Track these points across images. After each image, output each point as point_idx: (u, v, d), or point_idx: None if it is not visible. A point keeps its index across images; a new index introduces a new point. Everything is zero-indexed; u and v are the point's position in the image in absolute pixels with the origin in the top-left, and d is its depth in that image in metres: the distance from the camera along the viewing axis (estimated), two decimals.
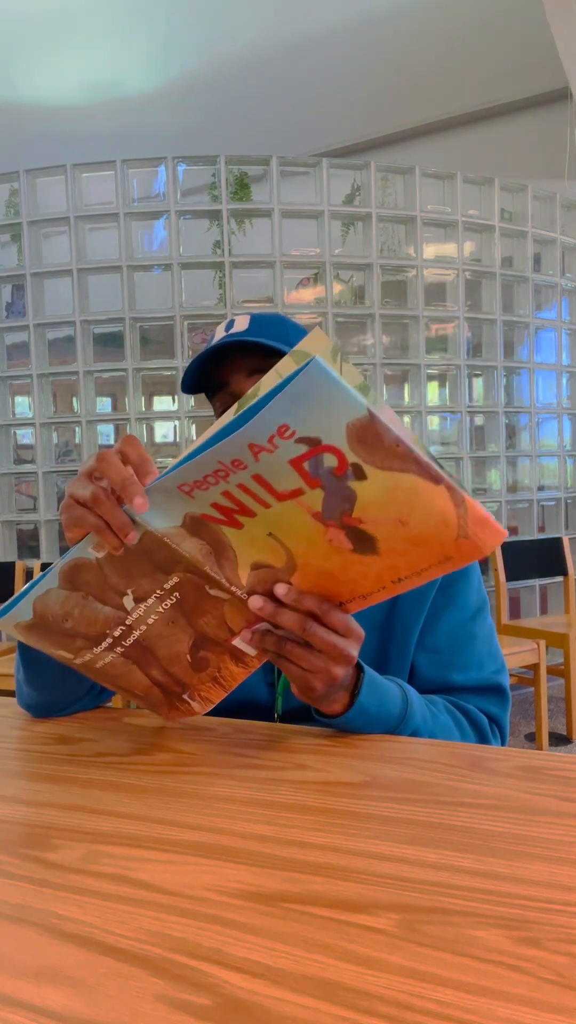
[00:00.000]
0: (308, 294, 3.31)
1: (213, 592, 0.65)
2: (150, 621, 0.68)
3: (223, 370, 0.90)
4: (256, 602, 0.65)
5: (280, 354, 0.89)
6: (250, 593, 0.65)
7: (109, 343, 3.09)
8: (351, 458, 0.54)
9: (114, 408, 3.26)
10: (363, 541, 0.59)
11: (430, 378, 3.32)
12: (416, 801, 0.56)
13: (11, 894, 0.45)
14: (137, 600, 0.66)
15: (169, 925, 0.41)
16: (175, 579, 0.65)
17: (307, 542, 0.60)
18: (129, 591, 0.66)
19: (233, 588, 0.65)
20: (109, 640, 0.69)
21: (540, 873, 0.45)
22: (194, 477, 0.57)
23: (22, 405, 3.19)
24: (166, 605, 0.67)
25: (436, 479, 0.54)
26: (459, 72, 4.37)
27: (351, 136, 5.08)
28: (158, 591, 0.66)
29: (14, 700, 0.89)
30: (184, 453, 0.58)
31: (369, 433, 0.52)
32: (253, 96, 4.57)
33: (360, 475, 0.55)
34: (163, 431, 3.37)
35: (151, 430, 3.32)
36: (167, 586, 0.65)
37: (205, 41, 4.04)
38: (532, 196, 3.43)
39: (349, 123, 4.94)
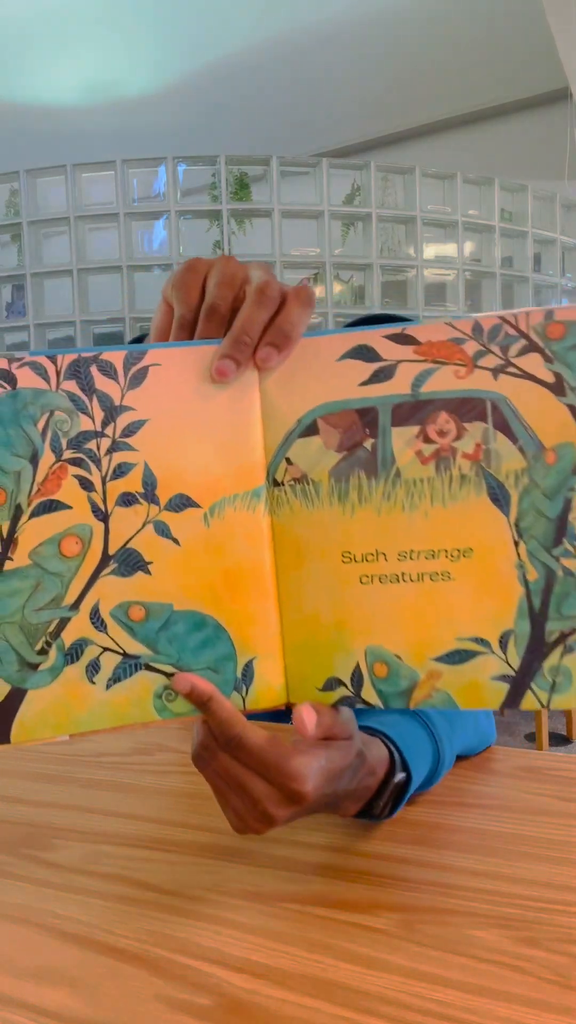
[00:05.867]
0: None
1: None
2: None
3: None
4: None
5: None
6: None
7: (109, 343, 3.08)
8: None
9: None
10: None
11: None
12: (416, 801, 0.56)
13: (11, 894, 0.45)
14: None
15: (169, 925, 0.41)
16: None
17: None
18: None
19: None
20: None
21: (540, 873, 0.44)
22: None
23: None
24: None
25: None
26: (459, 72, 4.37)
27: (351, 136, 5.08)
28: None
29: None
30: None
31: None
32: (253, 96, 4.57)
33: None
34: None
35: None
36: None
37: (205, 41, 4.04)
38: (532, 196, 3.43)
39: (349, 123, 4.94)
